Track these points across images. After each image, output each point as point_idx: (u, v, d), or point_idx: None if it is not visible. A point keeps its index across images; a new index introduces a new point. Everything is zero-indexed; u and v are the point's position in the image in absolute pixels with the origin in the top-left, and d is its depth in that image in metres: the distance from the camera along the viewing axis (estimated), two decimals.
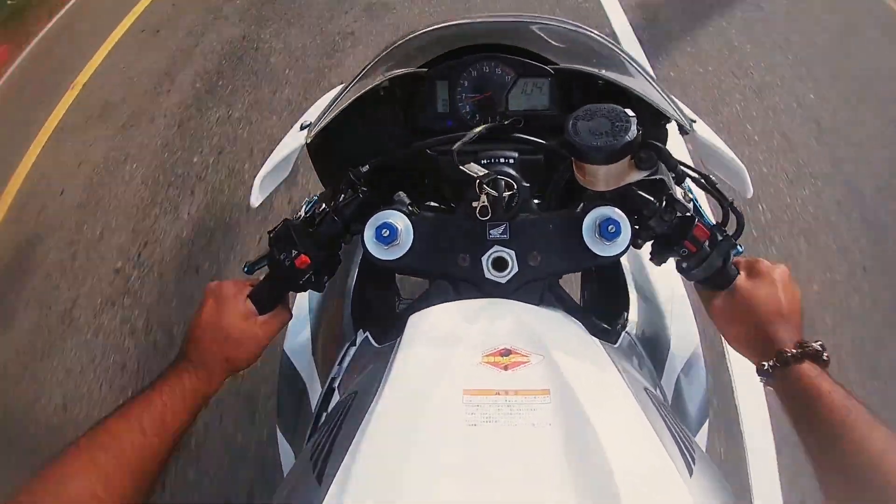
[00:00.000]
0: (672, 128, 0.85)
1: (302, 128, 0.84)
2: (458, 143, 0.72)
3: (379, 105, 0.85)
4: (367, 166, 0.79)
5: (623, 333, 0.82)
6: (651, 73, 0.78)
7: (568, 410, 0.53)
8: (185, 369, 0.69)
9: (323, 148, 0.91)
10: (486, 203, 0.69)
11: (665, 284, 0.98)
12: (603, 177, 0.64)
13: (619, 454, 0.49)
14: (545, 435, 0.52)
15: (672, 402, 0.89)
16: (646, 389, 0.65)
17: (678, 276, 0.99)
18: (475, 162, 0.74)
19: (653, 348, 0.90)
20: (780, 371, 0.65)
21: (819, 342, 0.65)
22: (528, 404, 0.54)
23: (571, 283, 1.26)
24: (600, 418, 0.52)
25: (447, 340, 0.63)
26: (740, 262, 0.75)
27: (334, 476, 0.49)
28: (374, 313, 0.95)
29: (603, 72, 0.80)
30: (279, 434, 0.97)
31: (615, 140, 0.61)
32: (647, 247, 0.77)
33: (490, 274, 0.70)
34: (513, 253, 0.70)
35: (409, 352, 0.62)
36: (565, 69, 0.85)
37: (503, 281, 0.70)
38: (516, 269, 0.70)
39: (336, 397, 0.79)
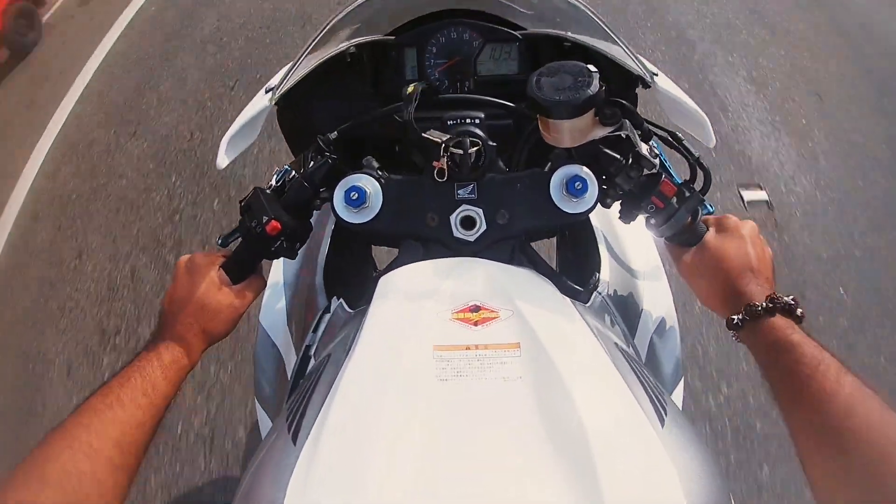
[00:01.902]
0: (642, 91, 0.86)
1: (267, 91, 0.83)
2: (410, 113, 0.73)
3: (346, 71, 0.85)
4: (336, 133, 0.78)
5: (595, 294, 0.83)
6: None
7: (538, 363, 0.54)
8: (163, 343, 0.69)
9: (292, 117, 0.90)
10: (444, 166, 0.69)
11: (638, 248, 0.99)
12: (568, 132, 0.65)
13: (590, 405, 0.50)
14: (516, 388, 0.52)
15: (646, 362, 0.90)
16: (616, 345, 0.66)
17: (651, 240, 1.01)
18: (442, 124, 0.74)
19: (626, 309, 0.91)
20: (749, 325, 0.65)
21: (791, 297, 0.64)
22: (498, 358, 0.55)
23: (548, 253, 1.27)
24: (570, 370, 0.53)
25: (417, 298, 0.63)
26: (709, 219, 0.76)
27: (308, 433, 0.50)
28: (348, 281, 0.95)
29: (568, 33, 0.80)
30: (258, 405, 0.97)
31: (577, 94, 0.62)
32: (618, 208, 0.78)
33: (458, 233, 0.70)
34: (480, 211, 0.70)
35: (380, 311, 0.62)
36: (532, 33, 0.85)
37: (472, 239, 0.70)
38: (484, 227, 0.70)
39: (311, 363, 0.79)
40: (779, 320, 0.63)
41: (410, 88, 0.75)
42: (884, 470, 0.47)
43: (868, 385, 0.54)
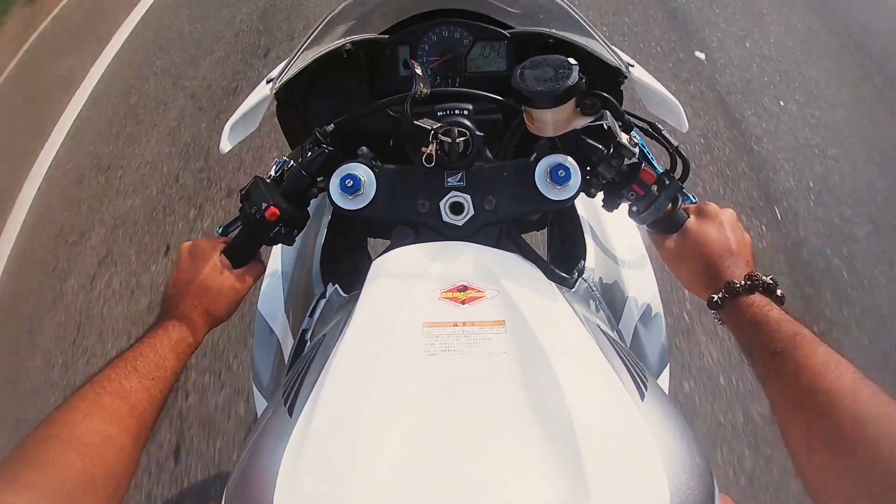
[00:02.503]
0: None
1: (268, 82, 0.86)
2: (408, 100, 0.76)
3: (342, 67, 0.88)
4: (332, 125, 0.82)
5: (580, 280, 0.86)
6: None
7: (522, 340, 0.56)
8: (170, 322, 0.71)
9: (291, 112, 0.94)
10: (432, 152, 0.72)
11: (623, 237, 1.02)
12: (550, 122, 0.68)
13: (572, 380, 0.52)
14: (500, 363, 0.55)
15: (631, 348, 0.93)
16: (599, 327, 0.69)
17: (637, 230, 1.04)
18: (431, 117, 0.78)
19: (611, 296, 0.95)
20: (729, 303, 0.67)
21: (771, 277, 0.66)
22: (483, 334, 0.57)
23: (539, 246, 1.30)
24: (553, 347, 0.55)
25: (407, 279, 0.66)
26: (689, 207, 0.79)
27: (304, 406, 0.52)
28: (344, 269, 0.98)
29: (553, 30, 0.83)
30: (255, 390, 1.00)
31: (557, 85, 0.65)
32: (602, 198, 0.81)
33: (448, 217, 0.74)
34: (468, 197, 0.74)
35: (372, 291, 0.65)
36: (520, 32, 0.89)
37: (460, 224, 0.74)
38: (472, 212, 0.74)
39: (308, 346, 0.82)
40: (758, 298, 0.65)
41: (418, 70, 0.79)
42: (855, 437, 0.49)
43: (842, 356, 0.55)
